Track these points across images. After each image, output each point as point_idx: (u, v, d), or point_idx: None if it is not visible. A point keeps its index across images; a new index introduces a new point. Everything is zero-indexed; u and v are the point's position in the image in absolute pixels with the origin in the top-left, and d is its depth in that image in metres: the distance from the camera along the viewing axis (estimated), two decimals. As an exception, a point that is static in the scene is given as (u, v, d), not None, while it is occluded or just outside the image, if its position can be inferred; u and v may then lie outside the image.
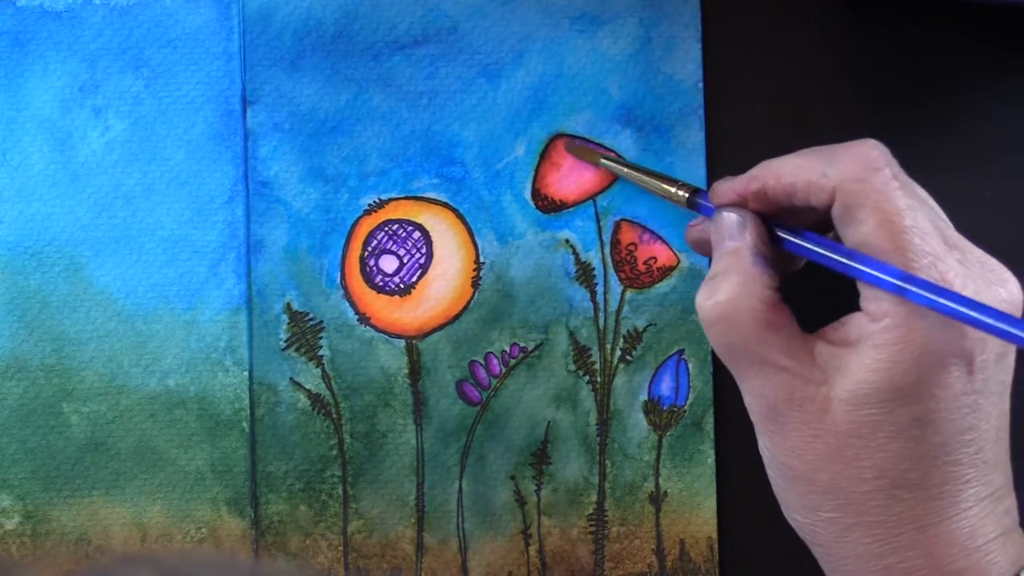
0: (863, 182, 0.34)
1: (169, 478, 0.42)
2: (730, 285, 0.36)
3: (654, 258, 0.44)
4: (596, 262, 0.44)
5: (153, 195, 0.43)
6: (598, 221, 0.44)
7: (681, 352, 0.44)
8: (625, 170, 0.43)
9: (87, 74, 0.43)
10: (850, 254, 0.35)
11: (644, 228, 0.44)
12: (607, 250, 0.44)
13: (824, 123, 0.44)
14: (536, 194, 0.44)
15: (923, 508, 0.33)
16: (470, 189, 0.43)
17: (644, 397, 0.44)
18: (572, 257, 0.44)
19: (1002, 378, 0.34)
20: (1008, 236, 0.44)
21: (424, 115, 0.43)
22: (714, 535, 0.43)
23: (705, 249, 0.41)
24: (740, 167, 0.44)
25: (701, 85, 0.44)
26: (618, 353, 0.44)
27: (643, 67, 0.44)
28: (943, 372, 0.33)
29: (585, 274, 0.44)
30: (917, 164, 0.44)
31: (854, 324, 0.35)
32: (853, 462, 0.34)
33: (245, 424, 0.43)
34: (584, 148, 0.43)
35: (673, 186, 0.41)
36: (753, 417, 0.37)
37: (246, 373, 0.43)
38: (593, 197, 0.44)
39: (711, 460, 0.44)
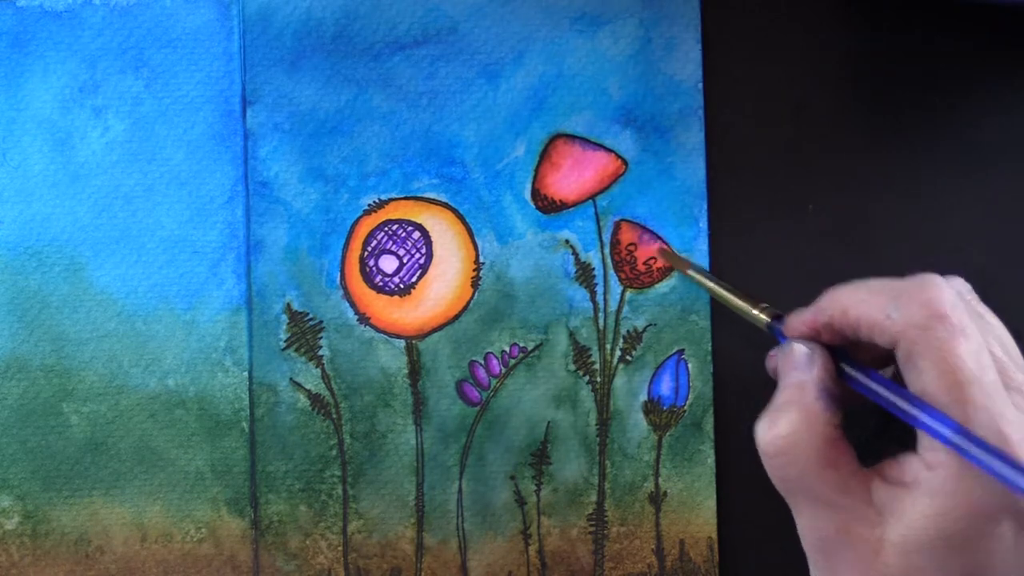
0: (926, 330, 0.33)
1: (169, 478, 0.42)
2: (791, 420, 0.36)
3: (654, 258, 0.44)
4: (596, 262, 0.44)
5: (153, 195, 0.43)
6: (598, 221, 0.44)
7: (681, 352, 0.44)
8: (710, 285, 0.42)
9: (87, 74, 0.43)
10: (911, 400, 0.34)
11: (644, 228, 0.44)
12: (607, 250, 0.44)
13: (824, 123, 0.44)
14: (536, 194, 0.44)
15: None
16: (470, 189, 0.43)
17: (644, 397, 0.44)
18: (572, 257, 0.44)
19: None
20: (1008, 236, 0.44)
21: (424, 115, 0.43)
22: (714, 535, 0.43)
23: None
24: (740, 167, 0.44)
25: (701, 85, 0.44)
26: (618, 353, 0.44)
27: (643, 67, 0.44)
28: (995, 527, 0.33)
29: (585, 274, 0.44)
30: (917, 164, 0.44)
31: (910, 466, 0.35)
32: None
33: (245, 424, 0.43)
34: (674, 255, 0.43)
35: (756, 308, 0.40)
36: (805, 546, 0.37)
37: (246, 373, 0.43)
38: (593, 197, 0.44)
39: (711, 460, 0.44)
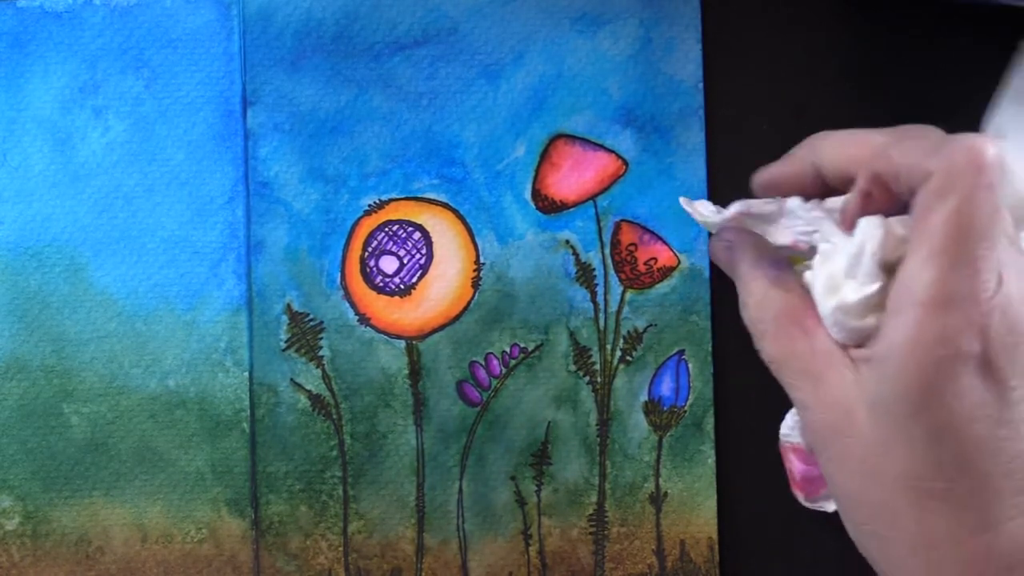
0: (962, 175, 0.33)
1: (169, 478, 0.42)
2: (752, 288, 0.37)
3: (654, 258, 0.44)
4: (596, 262, 0.44)
5: (153, 195, 0.43)
6: (598, 222, 0.44)
7: (681, 352, 0.44)
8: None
9: (87, 74, 0.43)
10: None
11: (644, 228, 0.44)
12: (607, 250, 0.44)
13: (824, 123, 0.44)
14: (536, 195, 0.44)
15: (955, 520, 0.33)
16: (470, 190, 0.43)
17: (644, 397, 0.44)
18: (572, 258, 0.44)
19: None
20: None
21: (424, 116, 0.43)
22: (714, 535, 0.44)
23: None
24: (740, 167, 0.44)
25: (701, 85, 0.44)
26: (618, 354, 0.44)
27: (643, 67, 0.44)
28: (953, 382, 0.33)
29: (585, 274, 0.44)
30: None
31: (874, 340, 0.35)
32: (880, 473, 0.34)
33: (245, 425, 0.43)
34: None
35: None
36: (812, 441, 0.37)
37: (246, 374, 0.43)
38: (593, 198, 0.44)
39: (711, 460, 0.44)
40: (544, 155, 0.44)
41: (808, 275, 0.36)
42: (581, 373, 0.44)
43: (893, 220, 0.34)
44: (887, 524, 0.34)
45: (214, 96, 0.43)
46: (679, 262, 0.44)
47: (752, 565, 0.44)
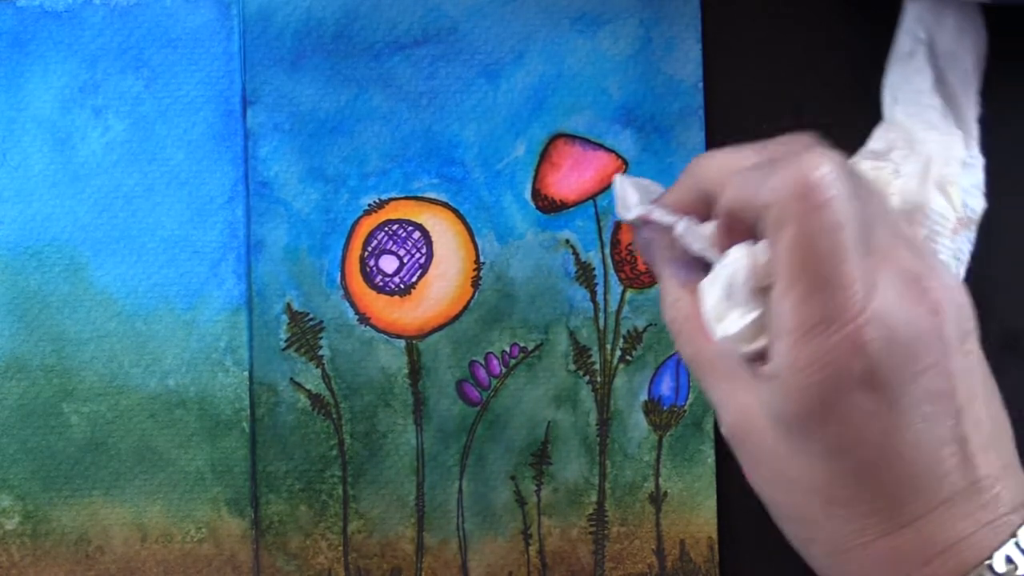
0: (794, 201, 0.33)
1: (169, 478, 0.42)
2: (666, 290, 0.38)
3: (654, 258, 0.44)
4: (596, 262, 0.44)
5: (153, 195, 0.43)
6: (598, 221, 0.44)
7: (681, 352, 0.44)
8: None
9: (87, 74, 0.43)
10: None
11: (644, 228, 0.44)
12: (607, 250, 0.44)
13: (824, 123, 0.44)
14: (536, 194, 0.44)
15: (861, 524, 0.34)
16: (470, 189, 0.43)
17: (644, 397, 0.44)
18: (572, 257, 0.44)
19: (927, 394, 0.33)
20: (1008, 235, 0.44)
21: (424, 115, 0.43)
22: (714, 535, 0.43)
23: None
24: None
25: (701, 85, 0.44)
26: (618, 353, 0.44)
27: (643, 67, 0.44)
28: (840, 401, 0.33)
29: (585, 274, 0.44)
30: (917, 164, 0.44)
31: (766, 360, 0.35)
32: (788, 480, 0.35)
33: (245, 424, 0.43)
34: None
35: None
36: (729, 442, 0.37)
37: (246, 373, 0.43)
38: (593, 197, 0.44)
39: (711, 460, 0.44)
40: (544, 155, 0.44)
41: (703, 286, 0.36)
42: (581, 373, 0.44)
43: (759, 247, 0.34)
44: (802, 526, 0.35)
45: (214, 96, 0.43)
46: (679, 262, 0.44)
47: (752, 565, 0.44)
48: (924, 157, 0.38)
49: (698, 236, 0.36)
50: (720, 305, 0.35)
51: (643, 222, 0.38)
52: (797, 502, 0.35)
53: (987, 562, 0.32)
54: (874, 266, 0.33)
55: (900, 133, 0.39)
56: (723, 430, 0.36)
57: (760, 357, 0.34)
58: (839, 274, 0.33)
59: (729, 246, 0.35)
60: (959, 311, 0.34)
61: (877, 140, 0.39)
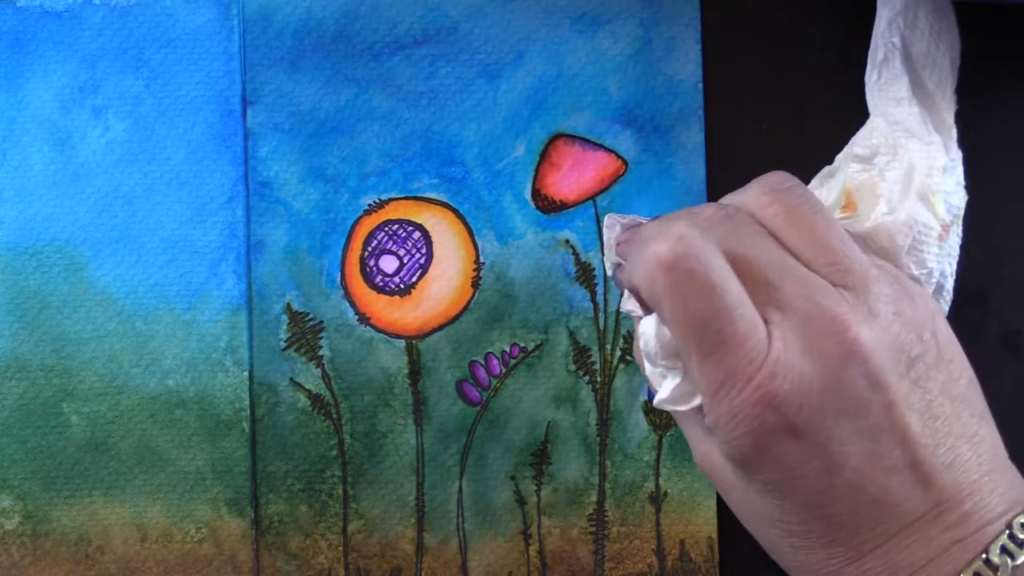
0: (654, 283, 0.34)
1: (169, 478, 0.42)
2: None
3: (654, 258, 0.44)
4: (596, 262, 0.44)
5: (153, 195, 0.43)
6: (598, 221, 0.44)
7: (681, 352, 0.44)
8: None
9: (87, 74, 0.43)
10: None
11: (644, 228, 0.44)
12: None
13: (824, 123, 0.44)
14: (536, 194, 0.44)
15: (824, 554, 0.34)
16: (470, 189, 0.43)
17: (644, 397, 0.44)
18: (572, 257, 0.44)
19: (861, 431, 0.33)
20: (1008, 234, 0.44)
21: (424, 115, 0.43)
22: (714, 535, 0.43)
23: None
24: (740, 167, 0.44)
25: (701, 85, 0.44)
26: (618, 353, 0.44)
27: (643, 67, 0.44)
28: (768, 451, 0.33)
29: (585, 274, 0.44)
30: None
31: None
32: (751, 512, 0.36)
33: (245, 424, 0.43)
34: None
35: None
36: (703, 471, 0.38)
37: (246, 373, 0.43)
38: (593, 197, 0.44)
39: (711, 460, 0.44)
40: (544, 155, 0.44)
41: (637, 357, 0.38)
42: (581, 373, 0.44)
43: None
44: (779, 554, 0.36)
45: (214, 96, 0.43)
46: (679, 262, 0.44)
47: (752, 565, 0.44)
48: (906, 165, 0.39)
49: (629, 299, 0.38)
50: (652, 372, 0.37)
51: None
52: (766, 532, 0.36)
53: None
54: (773, 318, 0.34)
55: (882, 139, 0.39)
56: (697, 465, 0.37)
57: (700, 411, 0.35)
58: (727, 335, 0.33)
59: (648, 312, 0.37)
60: (897, 341, 0.34)
61: (860, 146, 0.40)
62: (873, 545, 0.34)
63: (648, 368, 0.37)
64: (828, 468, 0.33)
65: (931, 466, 0.33)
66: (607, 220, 0.41)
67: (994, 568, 0.33)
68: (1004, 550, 0.33)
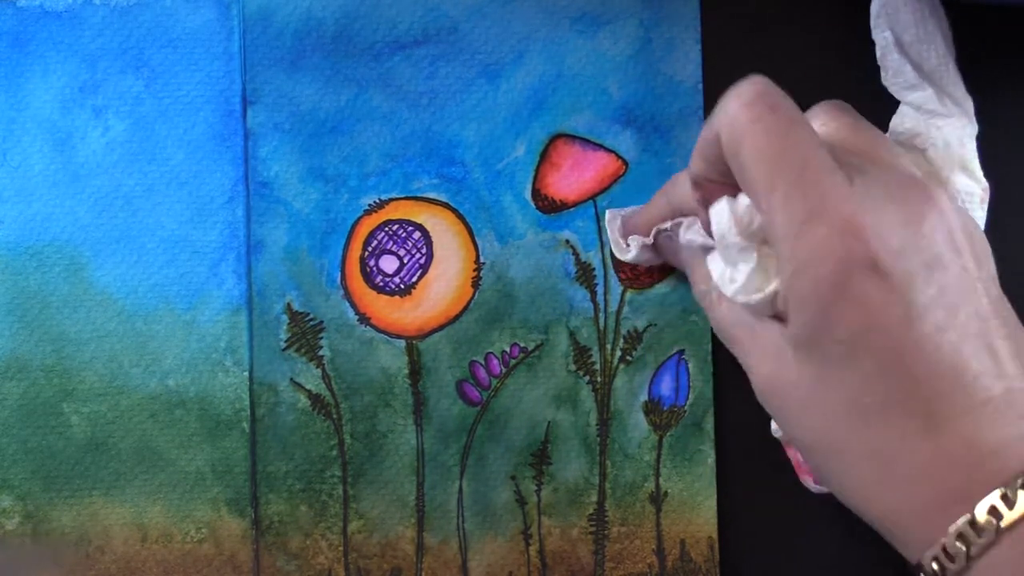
0: (737, 120, 0.34)
1: (169, 478, 0.42)
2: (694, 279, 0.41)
3: (654, 258, 0.44)
4: (596, 262, 0.44)
5: (153, 195, 0.43)
6: (598, 221, 0.44)
7: (681, 352, 0.44)
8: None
9: (87, 74, 0.43)
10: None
11: (644, 228, 0.44)
12: (607, 250, 0.44)
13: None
14: (536, 194, 0.44)
15: (900, 429, 0.33)
16: (470, 189, 0.43)
17: (644, 397, 0.44)
18: (572, 257, 0.44)
19: (943, 291, 0.33)
20: (1008, 234, 0.44)
21: (424, 115, 0.43)
22: (714, 535, 0.44)
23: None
24: (740, 167, 0.44)
25: (701, 85, 0.44)
26: (618, 353, 0.44)
27: (643, 68, 0.44)
28: (850, 293, 0.32)
29: (585, 274, 0.44)
30: (917, 164, 0.44)
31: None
32: (822, 409, 0.34)
33: (245, 424, 0.43)
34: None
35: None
36: (764, 402, 0.37)
37: (246, 373, 0.43)
38: (593, 197, 0.44)
39: (711, 460, 0.44)
40: (544, 155, 0.44)
41: (708, 267, 0.39)
42: (581, 373, 0.44)
43: (732, 199, 0.36)
44: (844, 458, 0.34)
45: (214, 96, 0.43)
46: (679, 262, 0.44)
47: (752, 565, 0.44)
48: (941, 141, 0.40)
49: (691, 228, 0.39)
50: (724, 270, 0.37)
51: (646, 246, 0.42)
52: (836, 430, 0.34)
53: None
54: (851, 174, 0.34)
55: (912, 123, 0.40)
56: (757, 395, 0.36)
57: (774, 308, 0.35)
58: (812, 164, 0.33)
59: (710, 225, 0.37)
60: (967, 221, 0.34)
61: (896, 133, 0.41)
62: (948, 417, 0.32)
63: (716, 272, 0.37)
64: (908, 318, 0.32)
65: (1002, 348, 0.33)
66: (608, 215, 0.43)
67: None
68: None
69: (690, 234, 0.39)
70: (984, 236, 0.36)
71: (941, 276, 0.33)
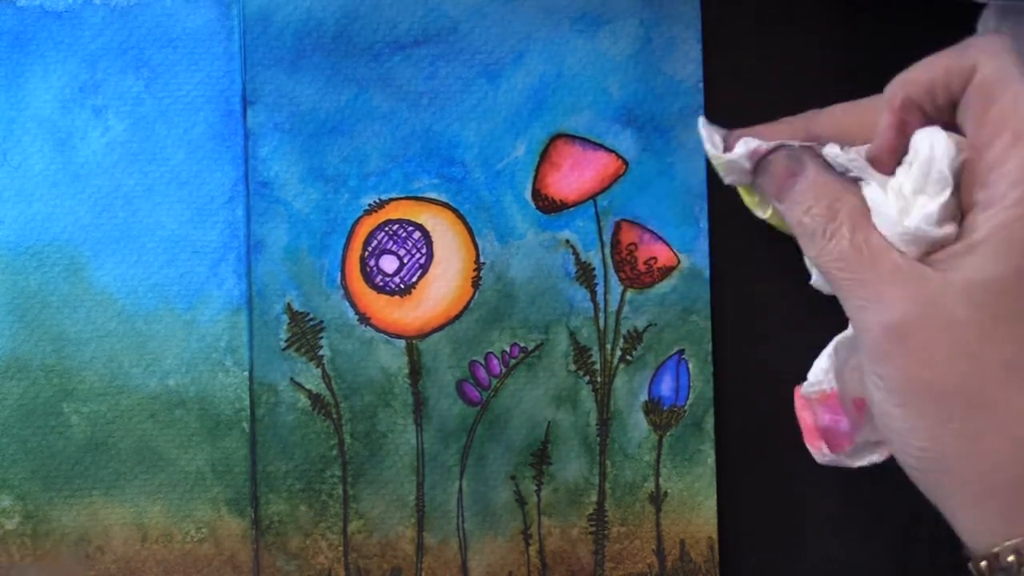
0: (1006, 67, 0.35)
1: (169, 478, 0.42)
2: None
3: (654, 258, 0.44)
4: (596, 262, 0.44)
5: (153, 195, 0.43)
6: (598, 221, 0.44)
7: (681, 352, 0.44)
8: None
9: (87, 74, 0.43)
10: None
11: (644, 228, 0.44)
12: (607, 250, 0.44)
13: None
14: (536, 194, 0.44)
15: None
16: (470, 189, 0.43)
17: (644, 397, 0.44)
18: (572, 257, 0.44)
19: None
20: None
21: (424, 115, 0.43)
22: (714, 535, 0.44)
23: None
24: (740, 167, 0.43)
25: (702, 85, 0.44)
26: (618, 353, 0.44)
27: (643, 67, 0.44)
28: None
29: (585, 274, 0.44)
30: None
31: (965, 224, 0.35)
32: (980, 359, 0.33)
33: (245, 424, 0.43)
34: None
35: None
36: (869, 350, 0.36)
37: (246, 373, 0.43)
38: (593, 197, 0.44)
39: (711, 460, 0.44)
40: (544, 155, 0.44)
41: (868, 192, 0.37)
42: (581, 373, 0.44)
43: (946, 133, 0.36)
44: (985, 415, 0.34)
45: (214, 96, 0.43)
46: (679, 262, 0.44)
47: (752, 565, 0.44)
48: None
49: (850, 155, 0.37)
50: (902, 199, 0.36)
51: (756, 155, 0.39)
52: (991, 385, 0.33)
53: None
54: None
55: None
56: (874, 332, 0.35)
57: (931, 252, 0.35)
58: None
59: (893, 152, 0.37)
60: None
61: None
62: None
63: (891, 198, 0.36)
64: None
65: None
66: (701, 121, 0.41)
67: None
68: None
69: (843, 157, 0.38)
70: None
71: None
